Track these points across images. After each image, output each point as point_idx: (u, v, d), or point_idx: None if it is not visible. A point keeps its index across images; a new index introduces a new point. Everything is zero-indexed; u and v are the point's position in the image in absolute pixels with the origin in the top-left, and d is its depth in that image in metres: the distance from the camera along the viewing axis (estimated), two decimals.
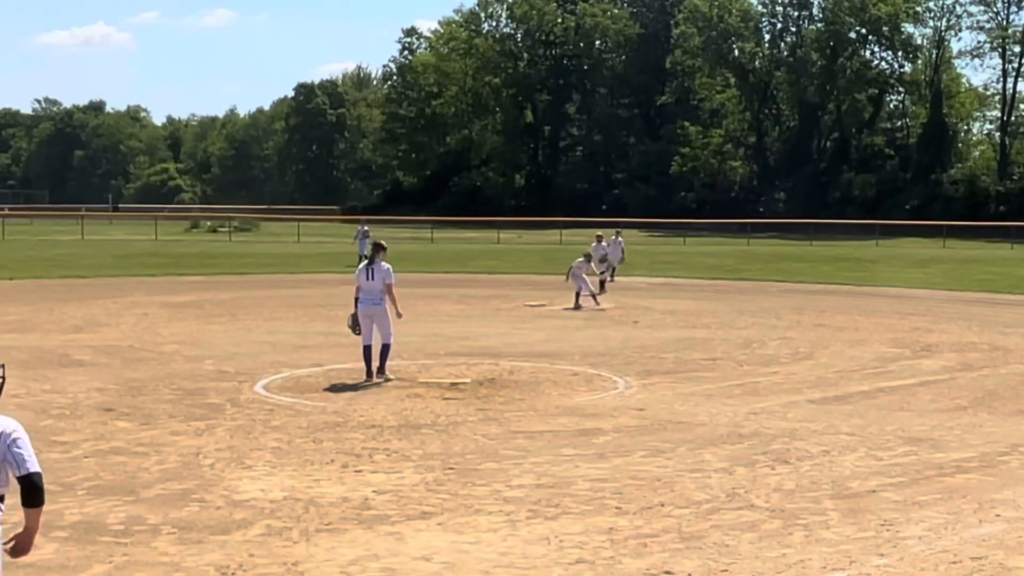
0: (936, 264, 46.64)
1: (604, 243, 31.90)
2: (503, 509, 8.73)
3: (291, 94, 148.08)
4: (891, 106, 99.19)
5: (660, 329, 22.08)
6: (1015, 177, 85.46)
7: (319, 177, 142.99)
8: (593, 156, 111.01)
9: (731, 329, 21.98)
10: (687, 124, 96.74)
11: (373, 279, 15.25)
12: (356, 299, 15.40)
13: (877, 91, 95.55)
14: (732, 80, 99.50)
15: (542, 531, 8.15)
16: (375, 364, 15.16)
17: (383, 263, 15.35)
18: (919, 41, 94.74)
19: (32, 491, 4.88)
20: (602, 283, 30.01)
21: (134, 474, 9.81)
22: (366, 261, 15.71)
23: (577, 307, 26.00)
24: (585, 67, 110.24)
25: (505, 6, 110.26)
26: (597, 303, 26.54)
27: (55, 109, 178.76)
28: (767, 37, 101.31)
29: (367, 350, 15.17)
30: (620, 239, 35.87)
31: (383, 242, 16.01)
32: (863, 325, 22.81)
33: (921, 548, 7.85)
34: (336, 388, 14.51)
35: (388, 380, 14.99)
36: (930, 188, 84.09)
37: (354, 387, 14.60)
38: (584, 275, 26.77)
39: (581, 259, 27.04)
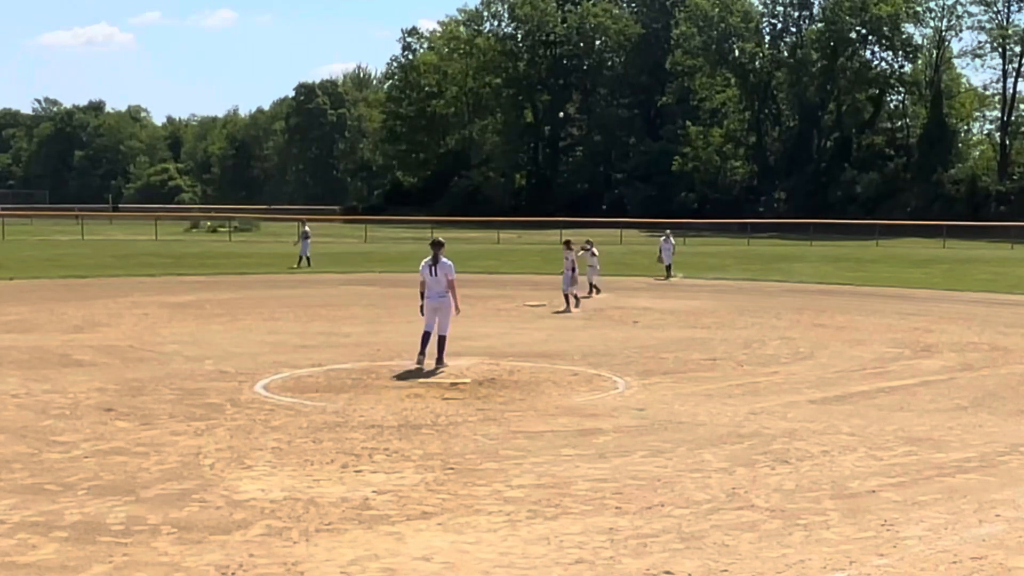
0: (936, 264, 46.65)
1: (594, 250, 31.06)
2: (503, 509, 8.73)
3: (291, 94, 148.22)
4: (891, 106, 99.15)
5: (660, 329, 22.07)
6: (1015, 177, 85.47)
7: (319, 177, 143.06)
8: (593, 156, 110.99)
9: (731, 329, 21.98)
10: (688, 124, 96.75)
11: (436, 275, 16.43)
12: (421, 293, 16.62)
13: (877, 91, 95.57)
14: (732, 80, 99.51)
15: (542, 531, 8.15)
16: (432, 358, 16.24)
17: (445, 260, 16.51)
18: (919, 41, 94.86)
19: None
20: (595, 287, 29.44)
21: (134, 474, 9.81)
22: (430, 259, 16.55)
23: (575, 307, 25.89)
24: (585, 67, 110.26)
25: (507, 6, 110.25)
26: (570, 306, 25.86)
27: (55, 109, 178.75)
28: (767, 37, 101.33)
29: (426, 335, 16.26)
30: (671, 241, 38.28)
31: (442, 239, 17.08)
32: (863, 325, 22.81)
33: (921, 548, 7.84)
34: (336, 388, 14.51)
35: (444, 367, 16.01)
36: (930, 188, 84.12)
37: (354, 387, 14.61)
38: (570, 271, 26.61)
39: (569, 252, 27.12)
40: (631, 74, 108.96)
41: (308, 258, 41.98)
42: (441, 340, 16.32)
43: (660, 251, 38.52)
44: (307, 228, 43.49)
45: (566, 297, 26.12)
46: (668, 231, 39.96)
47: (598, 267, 30.21)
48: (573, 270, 26.36)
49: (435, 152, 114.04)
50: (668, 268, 37.75)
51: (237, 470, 9.97)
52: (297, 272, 39.56)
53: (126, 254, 48.51)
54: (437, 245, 16.69)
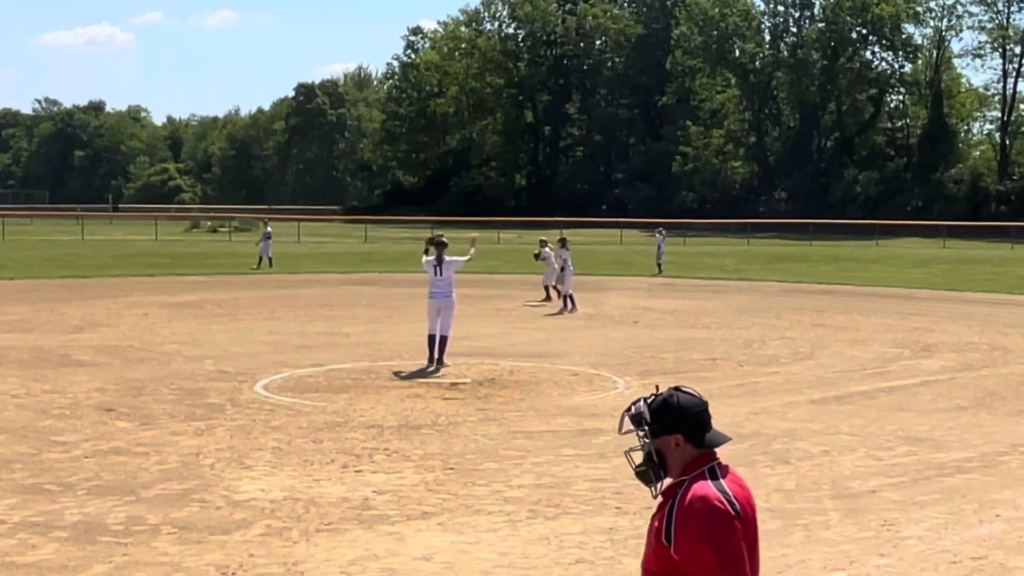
0: (936, 264, 46.64)
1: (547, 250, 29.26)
2: (503, 509, 8.73)
3: (291, 94, 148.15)
4: (891, 106, 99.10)
5: (660, 329, 22.07)
6: (1015, 177, 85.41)
7: (319, 177, 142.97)
8: (593, 156, 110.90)
9: (731, 329, 21.97)
10: (688, 124, 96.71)
11: (442, 274, 16.64)
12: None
13: (878, 91, 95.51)
14: (733, 80, 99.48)
15: (542, 531, 8.15)
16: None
17: (448, 257, 16.76)
18: (920, 41, 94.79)
19: None
20: (551, 287, 27.87)
21: (134, 474, 9.81)
22: (434, 258, 16.72)
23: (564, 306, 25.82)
24: (585, 67, 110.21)
25: (507, 6, 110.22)
26: (572, 305, 25.68)
27: (55, 109, 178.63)
28: (768, 37, 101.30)
29: (431, 338, 16.36)
30: (662, 237, 40.20)
31: (445, 239, 17.33)
32: (863, 325, 22.80)
33: (921, 548, 7.85)
34: (336, 388, 14.51)
35: (445, 366, 16.09)
36: (931, 188, 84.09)
37: (354, 387, 14.61)
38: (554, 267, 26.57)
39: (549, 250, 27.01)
40: (631, 74, 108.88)
41: (270, 259, 40.93)
42: (443, 340, 16.41)
43: (658, 248, 40.17)
44: (268, 228, 42.83)
45: (567, 298, 26.09)
46: (662, 229, 41.64)
47: (557, 269, 28.17)
48: (563, 269, 26.34)
49: (435, 152, 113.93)
50: (659, 266, 39.40)
51: (237, 470, 9.97)
52: (261, 272, 38.92)
53: (126, 254, 48.49)
54: (441, 245, 16.87)
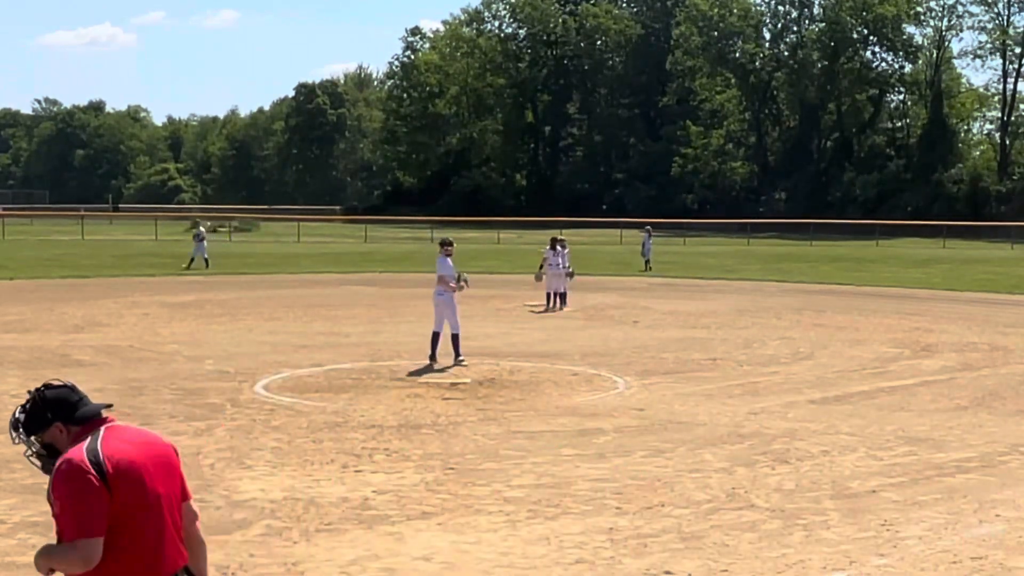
0: (936, 264, 46.64)
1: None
2: (503, 509, 8.73)
3: (291, 94, 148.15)
4: (891, 106, 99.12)
5: (660, 329, 22.07)
6: (1015, 177, 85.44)
7: (319, 177, 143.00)
8: (593, 156, 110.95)
9: (731, 329, 21.97)
10: (688, 124, 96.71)
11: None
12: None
13: (878, 91, 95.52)
14: (733, 80, 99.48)
15: (542, 531, 8.15)
16: (438, 351, 16.54)
17: (440, 258, 17.05)
18: (920, 41, 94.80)
19: None
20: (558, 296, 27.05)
21: None
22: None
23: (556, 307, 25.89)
24: (586, 67, 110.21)
25: (508, 6, 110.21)
26: (563, 304, 26.05)
27: (55, 109, 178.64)
28: (768, 37, 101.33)
29: (435, 336, 16.61)
30: (649, 238, 41.74)
31: (445, 239, 17.69)
32: (863, 325, 22.80)
33: (921, 548, 7.85)
34: (336, 388, 14.51)
35: (463, 363, 16.30)
36: (931, 188, 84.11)
37: (354, 387, 14.61)
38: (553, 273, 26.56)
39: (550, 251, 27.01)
40: (631, 74, 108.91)
41: (206, 259, 40.14)
42: (454, 338, 16.67)
43: (643, 246, 41.69)
44: (201, 229, 42.53)
45: (562, 297, 26.30)
46: (649, 227, 43.34)
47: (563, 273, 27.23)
48: (541, 267, 26.70)
49: (435, 152, 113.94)
50: (647, 263, 40.91)
51: (237, 470, 9.97)
52: (211, 273, 38.54)
53: (126, 254, 48.46)
54: (442, 244, 17.33)
